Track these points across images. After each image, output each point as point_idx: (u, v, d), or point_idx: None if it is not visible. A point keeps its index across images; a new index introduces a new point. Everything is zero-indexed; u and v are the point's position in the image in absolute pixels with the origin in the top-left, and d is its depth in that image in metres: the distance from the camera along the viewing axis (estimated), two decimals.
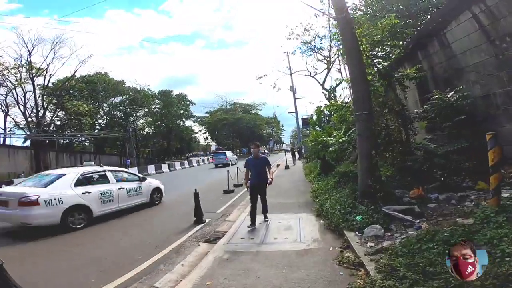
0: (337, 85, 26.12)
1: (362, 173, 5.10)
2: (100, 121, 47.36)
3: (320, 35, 28.72)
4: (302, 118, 36.44)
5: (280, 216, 6.27)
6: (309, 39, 29.24)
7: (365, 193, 5.01)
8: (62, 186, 6.35)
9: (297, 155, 32.06)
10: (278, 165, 22.86)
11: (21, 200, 5.75)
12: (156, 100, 51.24)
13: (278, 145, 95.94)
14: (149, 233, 6.03)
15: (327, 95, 29.19)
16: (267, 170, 5.83)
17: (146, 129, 55.24)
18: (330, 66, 30.94)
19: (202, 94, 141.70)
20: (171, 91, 51.81)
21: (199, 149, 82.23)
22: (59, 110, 32.89)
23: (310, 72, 32.07)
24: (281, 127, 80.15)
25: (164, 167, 27.74)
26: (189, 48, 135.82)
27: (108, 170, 7.75)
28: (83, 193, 6.59)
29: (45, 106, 31.15)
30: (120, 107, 47.61)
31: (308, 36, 29.09)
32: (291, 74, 32.14)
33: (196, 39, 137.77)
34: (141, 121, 52.69)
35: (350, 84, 7.67)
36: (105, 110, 46.91)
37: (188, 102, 56.71)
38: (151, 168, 26.53)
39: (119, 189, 7.52)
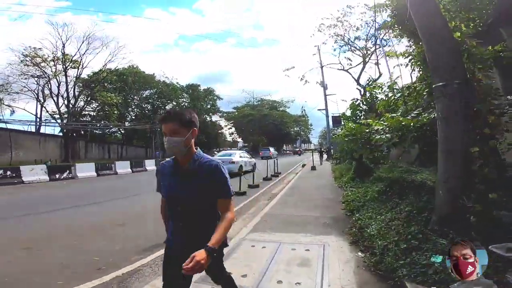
0: (377, 78, 23.07)
1: (447, 184, 2.85)
2: (131, 113, 48.66)
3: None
4: (332, 117, 33.57)
5: (296, 238, 4.22)
6: (342, 31, 26.40)
7: (448, 217, 2.79)
8: (237, 156, 14.65)
9: (324, 156, 29.40)
10: (303, 165, 20.53)
11: (230, 161, 13.48)
12: (184, 94, 51.31)
13: (306, 145, 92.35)
14: None
15: (362, 92, 26.06)
16: (217, 212, 1.64)
17: None
18: (366, 60, 27.77)
19: (232, 91, 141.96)
20: (199, 85, 51.23)
21: (226, 145, 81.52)
22: (90, 99, 33.58)
23: (343, 66, 29.13)
24: (309, 126, 76.59)
25: None
26: (220, 46, 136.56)
27: (245, 151, 18.20)
28: (241, 160, 14.39)
29: (76, 96, 31.85)
30: (150, 100, 48.24)
31: (342, 27, 26.25)
32: (321, 67, 29.47)
33: (228, 37, 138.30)
34: None
35: (410, 60, 5.35)
36: (136, 103, 47.85)
37: (215, 97, 55.97)
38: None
39: (248, 160, 15.56)
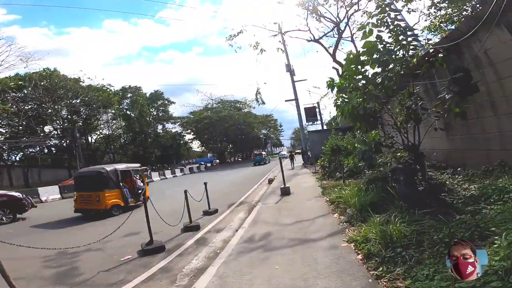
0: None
1: None
2: (56, 126, 38.26)
3: None
4: (305, 108, 26.93)
5: None
6: None
7: None
8: (265, 156, 41.33)
9: (298, 158, 22.30)
10: (270, 181, 12.98)
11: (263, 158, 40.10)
12: (126, 101, 41.95)
13: (277, 148, 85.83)
14: None
15: (340, 71, 19.46)
16: None
17: (123, 136, 46.05)
18: (340, 28, 21.02)
19: (201, 101, 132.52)
20: (140, 87, 41.79)
21: (194, 156, 71.25)
22: None
23: (314, 36, 22.34)
24: (279, 127, 70.21)
25: None
26: (186, 55, 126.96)
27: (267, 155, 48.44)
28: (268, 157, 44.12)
29: None
30: (78, 109, 38.04)
31: None
32: (281, 34, 22.51)
33: (193, 46, 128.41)
34: (115, 125, 43.63)
35: None
36: (63, 114, 37.58)
37: (165, 102, 47.04)
38: None
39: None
